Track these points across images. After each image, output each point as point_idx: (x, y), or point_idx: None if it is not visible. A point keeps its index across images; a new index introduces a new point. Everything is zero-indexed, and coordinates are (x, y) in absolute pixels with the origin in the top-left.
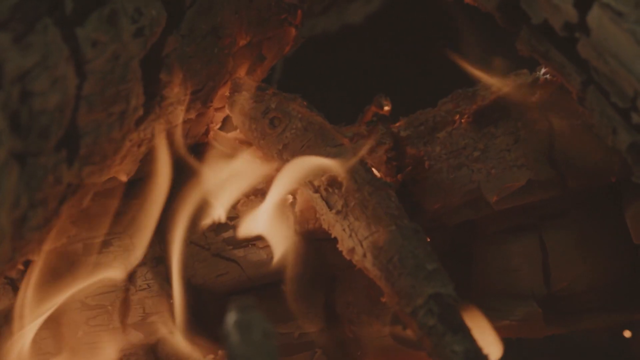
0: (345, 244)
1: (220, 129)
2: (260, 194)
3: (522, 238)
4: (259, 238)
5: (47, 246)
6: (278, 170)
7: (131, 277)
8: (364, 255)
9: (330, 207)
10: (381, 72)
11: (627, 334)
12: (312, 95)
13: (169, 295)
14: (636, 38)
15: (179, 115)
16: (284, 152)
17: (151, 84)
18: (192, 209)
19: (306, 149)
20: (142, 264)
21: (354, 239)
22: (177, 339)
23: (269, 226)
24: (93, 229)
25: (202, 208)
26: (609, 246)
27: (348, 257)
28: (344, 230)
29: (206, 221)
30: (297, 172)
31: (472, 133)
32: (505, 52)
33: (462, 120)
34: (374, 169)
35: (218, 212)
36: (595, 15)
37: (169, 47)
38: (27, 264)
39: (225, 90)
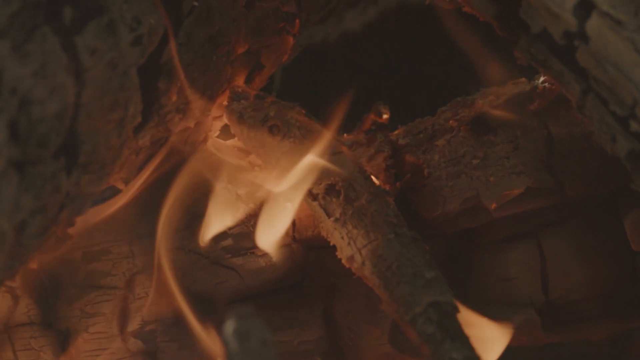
0: (344, 252)
1: (219, 137)
2: (259, 202)
3: (520, 246)
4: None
5: (46, 253)
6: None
7: (130, 285)
8: (363, 263)
9: (328, 215)
10: (379, 80)
11: None
12: (311, 104)
13: (167, 303)
14: (635, 46)
15: (178, 123)
16: (283, 160)
17: (149, 92)
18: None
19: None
20: (141, 271)
21: (353, 247)
22: None
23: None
24: (92, 237)
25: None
26: (608, 254)
27: (347, 265)
28: (342, 238)
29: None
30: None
31: (471, 141)
32: (503, 61)
33: (461, 128)
34: (372, 177)
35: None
36: (594, 24)
37: (167, 55)
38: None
39: (223, 99)
